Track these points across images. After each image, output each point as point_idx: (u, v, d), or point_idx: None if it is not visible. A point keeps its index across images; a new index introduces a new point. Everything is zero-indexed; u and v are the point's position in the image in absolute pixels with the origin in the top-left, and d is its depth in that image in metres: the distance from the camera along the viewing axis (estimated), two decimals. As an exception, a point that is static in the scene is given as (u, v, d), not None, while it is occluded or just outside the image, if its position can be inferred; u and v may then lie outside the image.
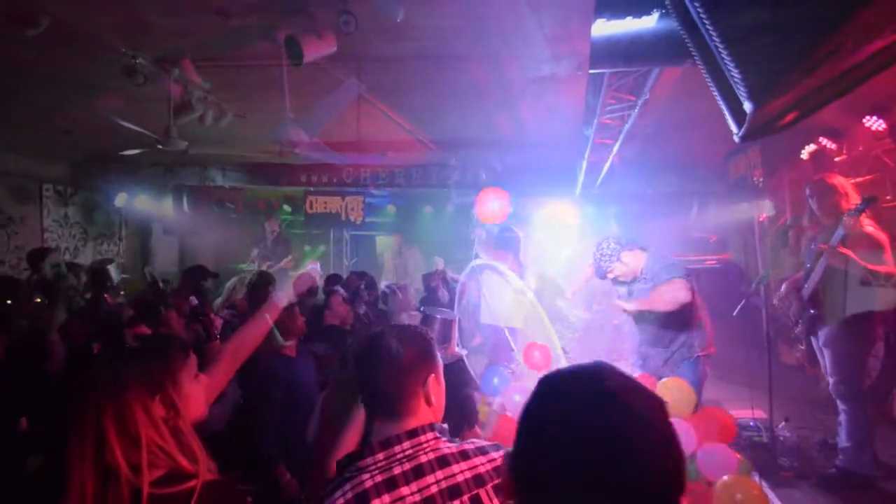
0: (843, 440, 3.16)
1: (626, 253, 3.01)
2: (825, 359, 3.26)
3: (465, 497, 1.02)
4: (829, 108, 0.95)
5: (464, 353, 1.96)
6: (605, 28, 1.57)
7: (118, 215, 7.73)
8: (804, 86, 0.79)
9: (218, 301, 4.43)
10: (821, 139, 4.75)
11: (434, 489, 1.01)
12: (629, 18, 1.49)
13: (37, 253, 4.50)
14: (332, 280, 4.52)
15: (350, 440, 1.59)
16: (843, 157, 4.66)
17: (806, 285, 3.24)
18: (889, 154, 4.29)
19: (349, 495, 1.00)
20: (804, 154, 4.98)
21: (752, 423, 3.81)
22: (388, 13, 2.70)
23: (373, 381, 1.13)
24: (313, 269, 1.78)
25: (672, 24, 1.17)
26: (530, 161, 6.59)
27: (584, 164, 4.77)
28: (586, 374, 0.63)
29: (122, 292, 5.31)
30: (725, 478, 2.16)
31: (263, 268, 6.54)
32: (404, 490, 1.00)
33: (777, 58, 0.77)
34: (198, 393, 1.17)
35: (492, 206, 4.36)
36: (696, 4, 0.78)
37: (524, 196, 6.62)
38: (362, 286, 4.11)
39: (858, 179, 4.59)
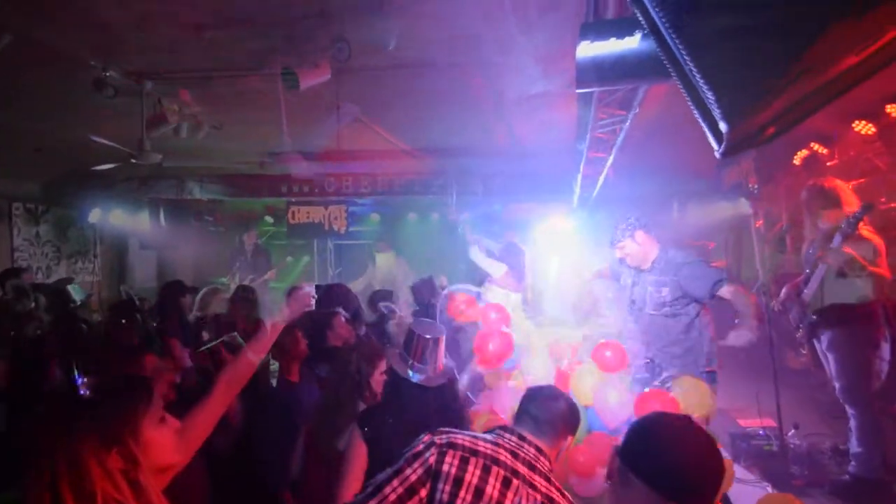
0: (854, 445, 3.12)
1: (641, 233, 2.96)
2: (829, 363, 3.24)
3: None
4: (818, 115, 0.97)
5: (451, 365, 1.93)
6: (589, 49, 1.62)
7: (92, 232, 7.49)
8: (776, 106, 0.83)
9: (191, 315, 4.39)
10: (813, 145, 4.81)
11: (507, 467, 1.34)
12: (612, 40, 1.55)
13: (6, 273, 4.44)
14: (331, 297, 4.49)
15: (355, 478, 1.58)
16: (835, 161, 4.72)
17: (805, 290, 3.23)
18: (880, 157, 4.33)
19: (443, 440, 1.35)
20: (797, 160, 5.03)
21: (761, 432, 3.77)
22: (380, 43, 2.79)
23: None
24: (308, 291, 1.72)
25: (654, 44, 1.21)
26: (527, 175, 6.67)
27: (580, 177, 4.82)
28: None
29: (94, 311, 5.15)
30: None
31: (246, 282, 6.38)
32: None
33: (748, 80, 0.81)
34: (163, 438, 1.10)
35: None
36: (671, 32, 0.82)
37: (521, 206, 6.67)
38: (362, 306, 4.11)
39: (851, 183, 4.64)
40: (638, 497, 0.94)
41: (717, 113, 0.81)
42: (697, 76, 0.81)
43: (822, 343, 3.27)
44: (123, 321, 3.16)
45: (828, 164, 4.76)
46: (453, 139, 5.67)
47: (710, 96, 0.81)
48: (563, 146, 5.07)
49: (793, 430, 3.57)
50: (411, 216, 8.11)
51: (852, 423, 3.13)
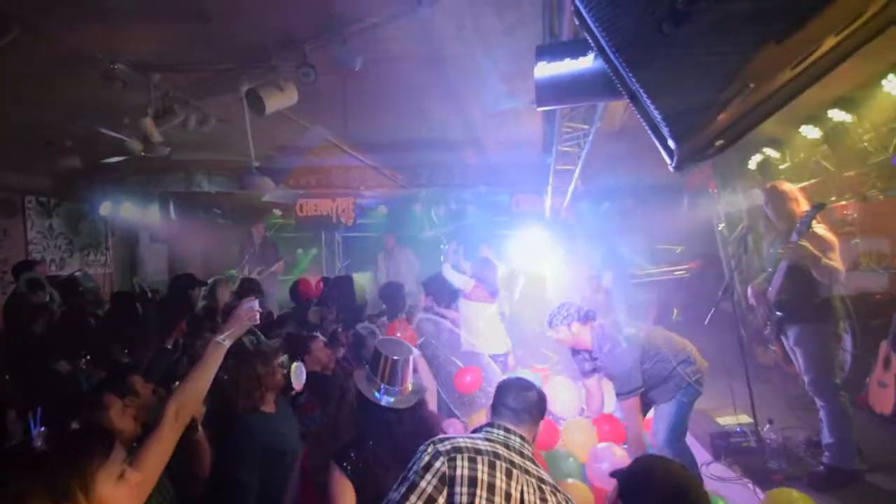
0: (825, 437, 3.22)
1: (577, 325, 2.99)
2: (797, 358, 3.36)
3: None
4: (768, 121, 1.03)
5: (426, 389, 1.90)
6: (546, 70, 1.68)
7: (104, 225, 7.58)
8: (721, 121, 0.87)
9: (199, 305, 4.30)
10: (765, 150, 5.07)
11: (506, 460, 1.43)
12: (567, 60, 1.61)
13: (21, 266, 4.43)
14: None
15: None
16: (787, 164, 4.98)
17: (770, 288, 3.36)
18: (828, 159, 4.60)
19: (448, 446, 1.39)
20: (752, 164, 5.29)
21: (738, 430, 3.86)
22: (347, 64, 2.81)
23: None
24: (251, 306, 1.64)
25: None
26: (498, 190, 6.77)
27: (550, 189, 4.93)
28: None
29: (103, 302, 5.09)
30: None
31: (254, 274, 6.45)
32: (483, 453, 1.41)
33: (692, 98, 0.86)
34: (120, 495, 1.05)
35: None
36: (616, 53, 0.86)
37: (494, 226, 6.75)
38: (339, 329, 4.04)
39: (804, 184, 4.90)
40: None
41: (665, 131, 0.86)
42: (644, 95, 0.85)
43: (790, 339, 3.38)
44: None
45: (780, 167, 5.01)
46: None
47: (657, 115, 0.85)
48: (533, 159, 5.20)
49: (768, 425, 3.66)
50: (417, 208, 8.13)
51: (822, 415, 3.24)
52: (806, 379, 3.31)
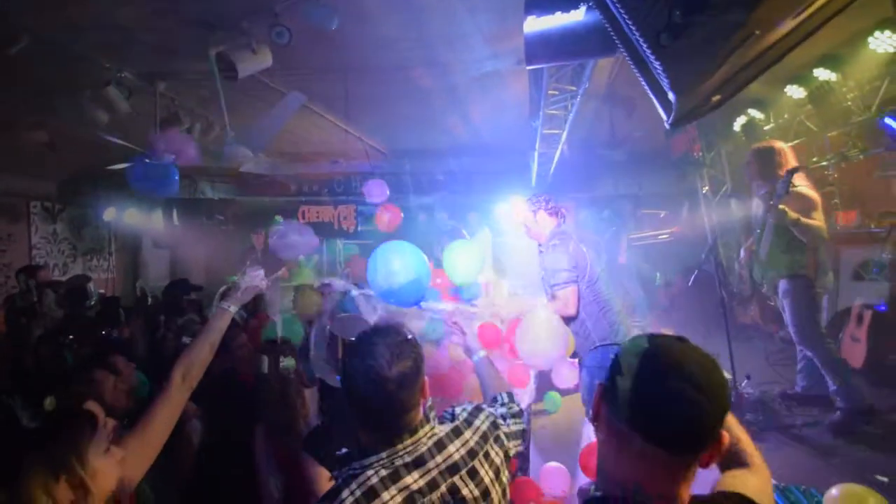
0: (830, 385, 3.25)
1: (543, 214, 2.95)
2: (786, 311, 3.43)
3: (463, 472, 1.14)
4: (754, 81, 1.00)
5: None
6: (536, 24, 1.59)
7: (107, 230, 7.61)
8: (722, 73, 0.83)
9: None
10: (749, 111, 5.05)
11: (435, 472, 1.10)
12: (558, 13, 1.53)
13: (25, 270, 4.47)
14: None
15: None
16: (772, 125, 4.98)
17: (760, 248, 3.43)
18: (811, 119, 4.61)
19: (357, 493, 1.03)
20: (736, 126, 5.28)
21: (717, 385, 4.01)
22: (322, 24, 2.65)
23: (371, 411, 1.11)
24: (258, 273, 1.67)
25: (600, 16, 1.20)
26: (485, 161, 6.68)
27: (536, 155, 4.86)
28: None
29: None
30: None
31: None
32: (408, 479, 1.07)
33: (694, 50, 0.81)
34: (109, 468, 1.08)
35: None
36: (618, 5, 0.80)
37: (481, 194, 6.70)
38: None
39: (788, 145, 4.92)
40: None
41: (665, 83, 0.81)
42: (645, 47, 0.80)
43: (779, 293, 3.46)
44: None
45: (765, 128, 5.01)
46: (420, 137, 5.66)
47: (657, 66, 0.81)
48: (517, 127, 5.09)
49: (745, 381, 3.81)
50: (421, 217, 8.15)
51: (818, 363, 3.29)
52: (793, 330, 3.39)
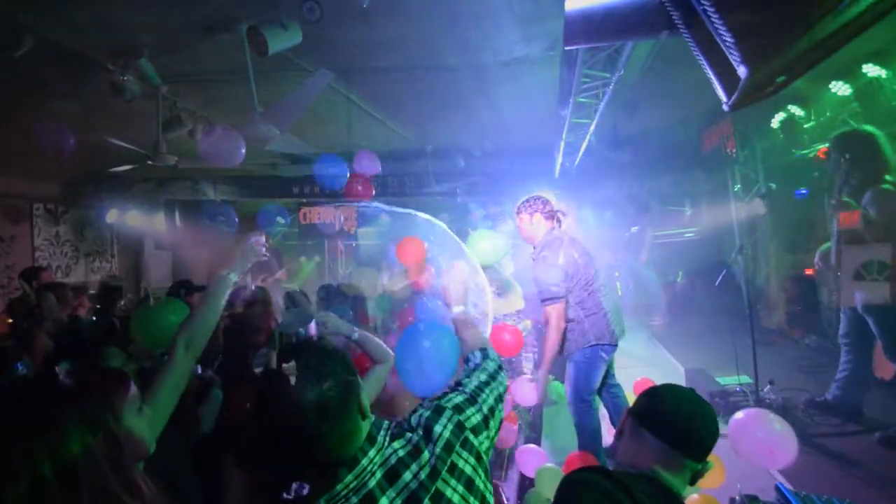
0: None
1: (540, 217, 2.93)
2: (873, 324, 3.10)
3: (426, 500, 0.97)
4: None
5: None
6: (577, 2, 1.52)
7: (110, 232, 7.78)
8: (797, 48, 0.77)
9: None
10: (790, 107, 4.84)
11: (414, 485, 0.97)
12: (604, -9, 1.45)
13: (28, 272, 4.56)
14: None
15: None
16: (812, 122, 4.77)
17: (833, 253, 3.15)
18: (855, 117, 4.39)
19: None
20: (774, 123, 5.07)
21: (738, 388, 3.92)
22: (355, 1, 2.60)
23: (294, 448, 0.97)
24: (259, 240, 1.59)
25: (648, -7, 1.13)
26: (507, 152, 6.58)
27: (562, 144, 4.75)
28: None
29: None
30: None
31: (258, 281, 6.55)
32: (384, 502, 0.94)
33: (770, 22, 0.75)
34: (142, 427, 1.09)
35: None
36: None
37: (503, 183, 6.62)
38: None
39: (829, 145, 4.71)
40: (648, 448, 1.10)
41: (735, 56, 0.75)
42: (714, 17, 0.74)
43: (858, 305, 3.14)
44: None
45: (805, 126, 4.81)
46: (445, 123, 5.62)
47: (728, 39, 0.75)
48: (543, 119, 4.98)
49: (768, 386, 3.71)
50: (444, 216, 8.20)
51: None
52: (882, 344, 3.14)
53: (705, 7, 0.75)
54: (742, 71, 0.78)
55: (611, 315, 2.84)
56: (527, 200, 3.00)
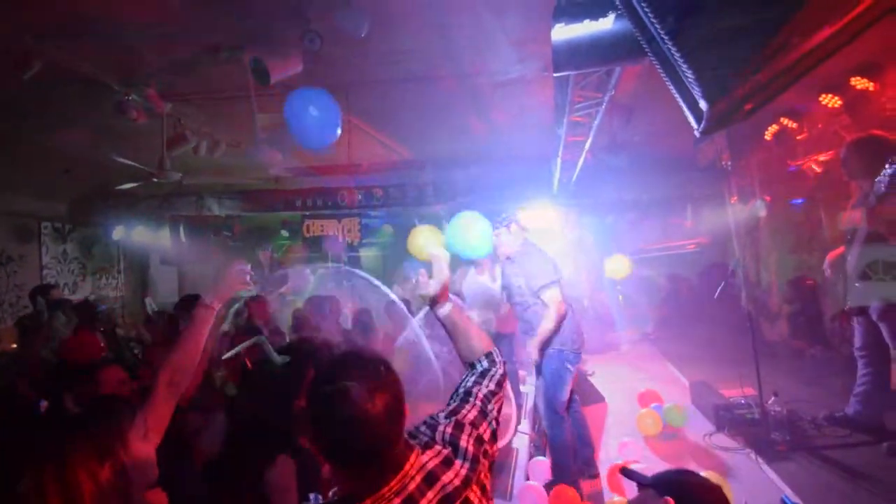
0: None
1: (515, 225, 3.23)
2: (887, 332, 3.02)
3: (457, 502, 1.04)
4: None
5: None
6: (564, 32, 1.60)
7: (116, 249, 7.86)
8: (754, 82, 0.83)
9: (225, 326, 4.39)
10: (782, 119, 4.92)
11: (449, 488, 1.02)
12: (587, 21, 1.53)
13: (37, 290, 4.65)
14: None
15: None
16: (805, 135, 4.84)
17: (849, 258, 3.03)
18: (847, 129, 4.45)
19: None
20: (767, 135, 5.15)
21: (742, 401, 3.90)
22: (352, 30, 2.71)
23: (350, 455, 0.98)
24: (243, 268, 1.56)
25: (629, 24, 1.20)
26: (505, 166, 6.67)
27: (559, 162, 4.83)
28: None
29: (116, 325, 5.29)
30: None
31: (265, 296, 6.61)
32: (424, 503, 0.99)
33: (726, 59, 0.81)
34: (149, 454, 1.09)
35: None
36: (648, 12, 0.81)
37: (502, 201, 6.69)
38: None
39: (821, 157, 4.78)
40: None
41: (696, 92, 0.81)
42: (676, 56, 0.81)
43: (872, 313, 3.05)
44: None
45: (797, 137, 4.88)
46: (441, 142, 5.75)
47: (689, 75, 0.81)
48: (539, 134, 5.07)
49: (773, 398, 3.69)
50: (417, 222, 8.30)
51: None
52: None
53: (667, 44, 0.81)
54: (703, 105, 0.83)
55: (574, 323, 3.06)
56: (499, 218, 3.28)
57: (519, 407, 4.29)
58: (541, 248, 3.19)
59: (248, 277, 1.55)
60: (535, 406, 3.37)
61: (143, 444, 1.09)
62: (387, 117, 4.93)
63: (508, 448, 3.63)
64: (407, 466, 1.01)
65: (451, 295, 1.44)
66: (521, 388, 4.47)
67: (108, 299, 7.50)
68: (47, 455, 0.94)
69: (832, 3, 0.86)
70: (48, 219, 6.92)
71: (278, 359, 1.92)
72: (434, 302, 1.40)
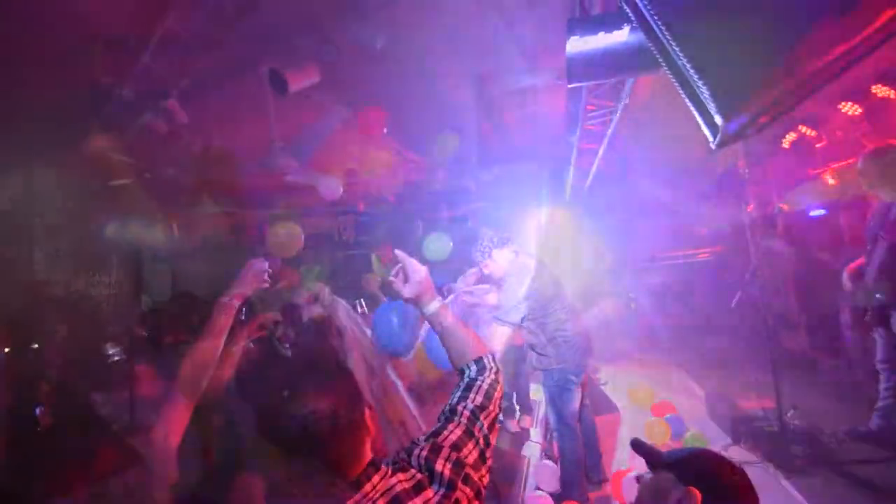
0: None
1: (496, 251, 3.08)
2: None
3: None
4: None
5: None
6: (579, 45, 1.62)
7: (109, 246, 8.00)
8: (768, 97, 0.84)
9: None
10: (800, 127, 4.86)
11: None
12: (601, 34, 1.55)
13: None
14: None
15: None
16: (824, 143, 4.76)
17: (868, 268, 2.96)
18: (867, 137, 4.38)
19: None
20: (785, 143, 5.08)
21: (761, 414, 3.82)
22: (368, 42, 2.77)
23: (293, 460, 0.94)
24: (262, 266, 1.57)
25: (643, 36, 1.21)
26: (517, 170, 6.68)
27: (572, 169, 4.83)
28: None
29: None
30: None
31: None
32: None
33: (741, 74, 0.82)
34: (171, 454, 1.10)
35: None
36: (664, 29, 0.82)
37: (515, 205, 6.69)
38: None
39: (841, 164, 4.70)
40: None
41: (712, 107, 0.82)
42: (691, 71, 0.82)
43: (893, 325, 2.97)
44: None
45: (816, 145, 4.81)
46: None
47: (704, 91, 0.82)
48: (553, 139, 5.08)
49: (791, 411, 3.61)
50: (418, 224, 8.28)
51: None
52: None
53: (682, 60, 0.83)
54: (719, 119, 0.84)
55: (576, 340, 2.98)
56: (480, 249, 3.15)
57: (530, 411, 4.27)
58: (526, 273, 2.97)
59: (265, 275, 1.58)
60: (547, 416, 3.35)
61: (165, 444, 1.11)
62: (395, 124, 5.00)
63: (520, 456, 3.61)
64: (368, 487, 0.94)
65: (461, 293, 1.43)
66: (532, 395, 4.43)
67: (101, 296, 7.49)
68: (74, 463, 0.98)
69: (849, 17, 0.86)
70: (40, 214, 6.83)
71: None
72: (418, 301, 1.30)
